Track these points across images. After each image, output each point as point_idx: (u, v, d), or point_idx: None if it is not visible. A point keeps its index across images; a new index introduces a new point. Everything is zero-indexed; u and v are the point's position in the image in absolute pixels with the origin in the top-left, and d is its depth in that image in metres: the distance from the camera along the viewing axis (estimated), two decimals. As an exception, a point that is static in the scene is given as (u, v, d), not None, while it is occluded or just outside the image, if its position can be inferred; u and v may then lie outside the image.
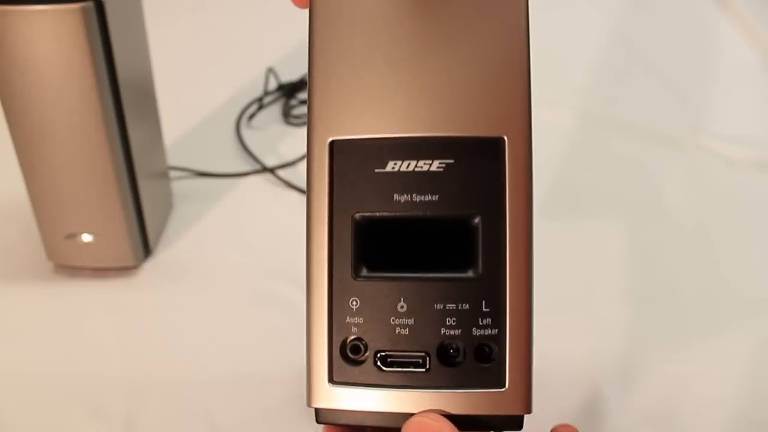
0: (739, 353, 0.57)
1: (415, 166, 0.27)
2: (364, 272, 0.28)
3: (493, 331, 0.27)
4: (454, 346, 0.27)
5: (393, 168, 0.27)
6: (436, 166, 0.27)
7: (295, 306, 0.60)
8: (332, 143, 0.28)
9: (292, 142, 0.81)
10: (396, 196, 0.27)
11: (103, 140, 0.55)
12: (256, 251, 0.66)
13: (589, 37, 1.04)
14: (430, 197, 0.27)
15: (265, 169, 0.76)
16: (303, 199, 0.72)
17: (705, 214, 0.72)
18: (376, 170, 0.27)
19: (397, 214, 0.27)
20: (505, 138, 0.27)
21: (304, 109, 0.87)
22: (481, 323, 0.27)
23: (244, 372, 0.55)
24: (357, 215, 0.28)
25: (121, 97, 0.55)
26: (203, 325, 0.59)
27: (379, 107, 0.27)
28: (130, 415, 0.52)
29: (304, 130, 0.82)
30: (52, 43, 0.50)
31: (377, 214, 0.27)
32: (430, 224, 0.27)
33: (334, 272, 0.28)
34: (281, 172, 0.76)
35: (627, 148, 0.82)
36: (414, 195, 0.27)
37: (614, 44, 1.03)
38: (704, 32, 1.07)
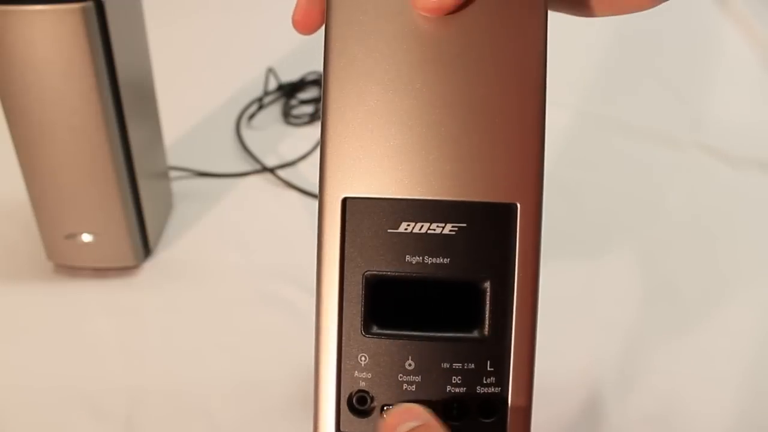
0: (740, 354, 0.57)
1: (428, 228, 0.28)
2: (374, 329, 0.28)
3: (497, 389, 0.28)
4: (458, 402, 0.28)
5: (406, 229, 0.28)
6: (448, 229, 0.28)
7: (295, 306, 0.60)
8: (345, 200, 0.28)
9: (292, 142, 0.81)
10: (408, 257, 0.28)
11: (103, 140, 0.55)
12: (256, 251, 0.66)
13: (589, 37, 1.04)
14: (441, 260, 0.28)
15: (265, 169, 0.76)
16: (303, 199, 0.72)
17: (705, 213, 0.72)
18: (389, 230, 0.28)
19: (408, 274, 0.28)
20: (518, 204, 0.27)
21: (304, 109, 0.87)
22: (485, 382, 0.28)
23: (244, 372, 0.55)
24: (368, 273, 0.28)
25: (121, 97, 0.55)
26: (203, 325, 0.59)
27: (394, 168, 0.28)
28: (130, 415, 0.52)
29: (304, 130, 0.83)
30: (52, 43, 0.50)
31: (389, 273, 0.28)
32: (440, 286, 0.28)
33: (343, 328, 0.28)
34: (281, 172, 0.76)
35: (627, 148, 0.82)
36: (426, 257, 0.28)
37: (614, 44, 1.03)
38: (704, 32, 1.07)
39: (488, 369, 0.28)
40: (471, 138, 0.28)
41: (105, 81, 0.53)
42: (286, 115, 0.86)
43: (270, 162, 0.77)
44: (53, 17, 0.49)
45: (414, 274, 0.28)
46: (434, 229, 0.28)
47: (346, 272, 0.28)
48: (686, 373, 0.56)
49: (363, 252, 0.28)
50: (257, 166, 0.77)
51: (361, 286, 0.28)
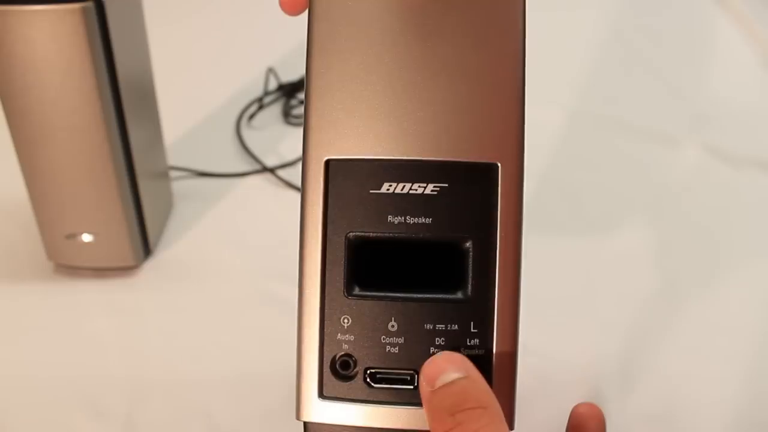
0: (739, 353, 0.57)
1: (410, 188, 0.28)
2: (357, 291, 0.28)
3: (480, 351, 0.28)
4: None
5: (388, 189, 0.28)
6: (430, 189, 0.28)
7: (294, 306, 0.60)
8: (328, 162, 0.28)
9: (292, 142, 0.81)
10: (390, 218, 0.28)
11: (103, 140, 0.55)
12: (256, 251, 0.66)
13: (588, 37, 1.04)
14: (423, 220, 0.28)
15: (265, 169, 0.76)
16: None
17: (704, 213, 0.72)
18: (371, 191, 0.28)
19: (391, 235, 0.28)
20: (499, 164, 0.27)
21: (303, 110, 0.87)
22: (469, 343, 0.28)
23: (244, 372, 0.55)
24: (351, 234, 0.28)
25: (121, 97, 0.55)
26: (203, 325, 0.59)
27: (376, 129, 0.28)
28: (130, 415, 0.52)
29: (304, 130, 0.83)
30: (52, 43, 0.50)
31: (371, 234, 0.28)
32: (422, 246, 0.28)
33: (326, 290, 0.28)
34: (281, 172, 0.76)
35: (627, 148, 0.82)
36: (408, 217, 0.28)
37: (613, 43, 1.03)
38: (704, 31, 1.07)
39: (472, 330, 0.28)
40: (452, 99, 0.28)
41: (105, 81, 0.53)
42: (286, 115, 0.86)
43: (270, 162, 0.77)
44: (53, 17, 0.49)
45: (396, 234, 0.28)
46: (416, 189, 0.28)
47: (329, 233, 0.28)
48: (686, 372, 0.56)
49: (345, 213, 0.28)
50: (257, 166, 0.77)
51: (343, 247, 0.28)
